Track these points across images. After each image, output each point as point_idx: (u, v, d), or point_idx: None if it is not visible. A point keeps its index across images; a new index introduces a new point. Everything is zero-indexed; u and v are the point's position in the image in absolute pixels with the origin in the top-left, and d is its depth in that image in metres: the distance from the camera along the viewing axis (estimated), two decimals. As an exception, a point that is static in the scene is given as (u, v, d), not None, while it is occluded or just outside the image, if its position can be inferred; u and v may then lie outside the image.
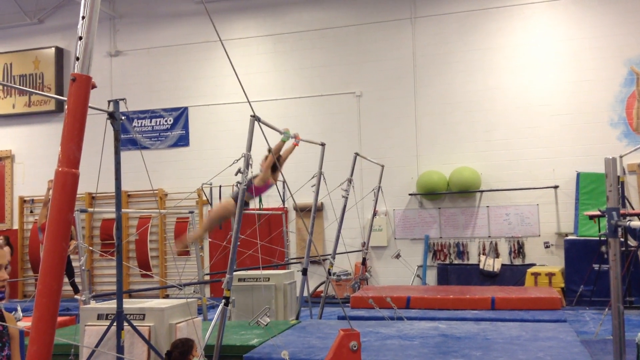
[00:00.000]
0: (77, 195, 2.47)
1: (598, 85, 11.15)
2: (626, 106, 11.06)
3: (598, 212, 9.18)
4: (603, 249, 9.06)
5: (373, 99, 12.22)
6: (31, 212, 13.68)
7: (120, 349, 4.78)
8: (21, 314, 5.61)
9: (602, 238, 9.14)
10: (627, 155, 10.11)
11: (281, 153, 6.41)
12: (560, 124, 11.27)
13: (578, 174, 10.93)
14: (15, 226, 13.80)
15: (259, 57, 12.77)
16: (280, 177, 6.38)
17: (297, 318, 7.77)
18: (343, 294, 11.12)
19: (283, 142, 6.17)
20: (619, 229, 4.19)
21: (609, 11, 11.18)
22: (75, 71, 2.16)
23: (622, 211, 6.53)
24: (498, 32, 11.72)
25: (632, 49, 11.03)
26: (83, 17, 2.18)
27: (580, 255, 9.93)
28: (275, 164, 6.09)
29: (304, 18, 12.68)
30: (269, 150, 5.93)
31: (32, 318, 2.05)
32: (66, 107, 2.18)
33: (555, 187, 11.21)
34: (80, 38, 2.17)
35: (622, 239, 8.62)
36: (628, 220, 4.35)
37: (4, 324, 2.55)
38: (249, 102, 3.94)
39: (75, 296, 9.80)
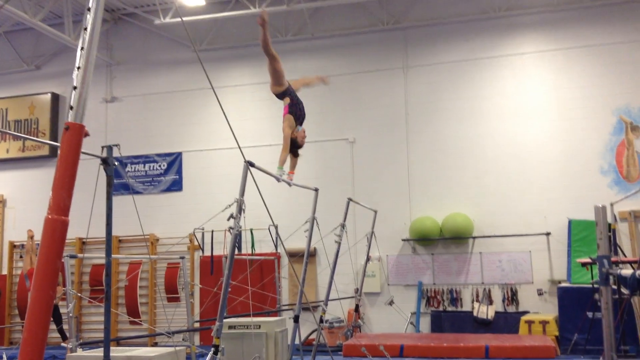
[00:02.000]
0: (68, 240, 2.47)
1: (588, 134, 11.32)
2: (616, 154, 11.21)
3: (589, 260, 9.17)
4: (596, 296, 9.01)
5: (366, 145, 12.34)
6: (20, 257, 13.53)
7: (106, 399, 4.68)
8: (6, 362, 5.49)
9: (595, 286, 9.11)
10: (619, 203, 10.19)
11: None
12: (552, 172, 11.38)
13: (570, 221, 10.97)
14: (4, 271, 13.63)
15: (254, 104, 12.92)
16: (271, 222, 6.46)
17: (288, 367, 7.64)
18: (335, 342, 10.96)
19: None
20: (611, 277, 4.20)
21: (596, 62, 11.45)
22: (69, 120, 2.19)
23: (613, 259, 6.53)
24: (488, 82, 11.95)
25: (620, 98, 11.26)
26: (78, 68, 2.23)
27: (574, 303, 9.87)
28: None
29: (299, 66, 12.87)
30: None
31: (16, 367, 2.02)
32: (59, 154, 2.20)
33: (547, 233, 11.24)
34: (75, 88, 2.22)
35: (614, 287, 8.58)
36: (619, 269, 4.35)
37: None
38: (239, 147, 3.99)
39: (62, 344, 9.61)
